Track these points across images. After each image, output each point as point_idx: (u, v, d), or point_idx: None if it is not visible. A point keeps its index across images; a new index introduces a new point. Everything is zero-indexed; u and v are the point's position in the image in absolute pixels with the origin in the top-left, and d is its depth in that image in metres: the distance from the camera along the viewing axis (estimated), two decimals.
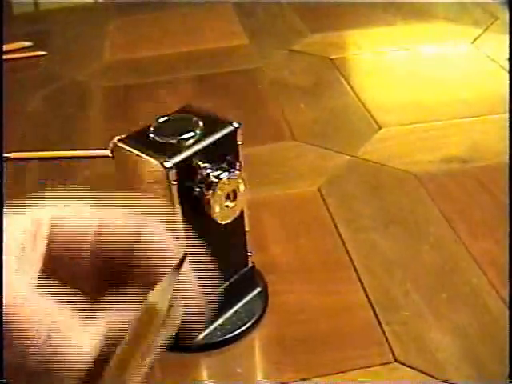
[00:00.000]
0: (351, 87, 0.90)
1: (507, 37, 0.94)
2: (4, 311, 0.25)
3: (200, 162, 0.44)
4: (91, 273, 0.29)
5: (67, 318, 0.26)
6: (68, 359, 0.25)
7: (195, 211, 0.45)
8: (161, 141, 0.45)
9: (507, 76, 0.89)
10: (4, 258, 0.26)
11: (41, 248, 0.29)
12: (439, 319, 0.51)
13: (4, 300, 0.25)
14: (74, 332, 0.26)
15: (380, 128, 0.79)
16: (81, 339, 0.26)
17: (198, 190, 0.44)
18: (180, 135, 0.45)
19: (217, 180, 0.44)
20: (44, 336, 0.25)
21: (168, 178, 0.43)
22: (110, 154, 0.46)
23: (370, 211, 0.64)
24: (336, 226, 0.62)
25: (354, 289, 0.54)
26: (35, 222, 0.29)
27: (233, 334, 0.50)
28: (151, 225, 0.29)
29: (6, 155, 0.76)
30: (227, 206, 0.46)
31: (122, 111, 0.89)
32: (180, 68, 1.00)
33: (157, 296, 0.23)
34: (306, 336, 0.50)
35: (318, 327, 0.51)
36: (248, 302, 0.53)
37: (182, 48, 1.08)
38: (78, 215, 0.30)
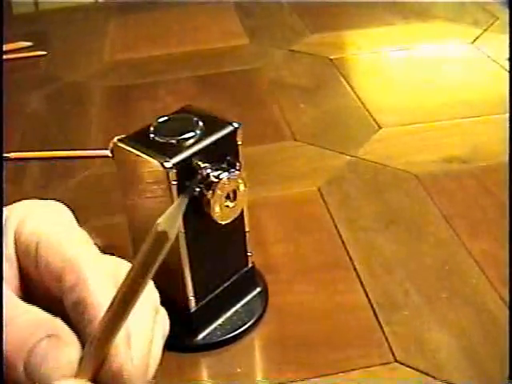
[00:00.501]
0: (351, 87, 0.90)
1: (507, 37, 0.95)
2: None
3: (200, 162, 0.44)
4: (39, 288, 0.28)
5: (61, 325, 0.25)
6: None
7: (195, 211, 0.45)
8: (161, 141, 0.45)
9: (507, 76, 0.89)
10: None
11: (10, 245, 0.28)
12: (439, 319, 0.51)
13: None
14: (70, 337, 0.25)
15: (380, 128, 0.79)
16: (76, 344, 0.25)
17: (198, 190, 0.44)
18: (180, 135, 0.45)
19: (217, 180, 0.44)
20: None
21: (168, 178, 0.43)
22: (110, 154, 0.46)
23: (370, 211, 0.64)
24: (336, 226, 0.62)
25: (353, 289, 0.54)
26: (4, 218, 0.28)
27: (233, 333, 0.50)
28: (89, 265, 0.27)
29: (5, 155, 0.76)
30: (227, 206, 0.46)
31: (122, 111, 0.89)
32: (180, 68, 1.00)
33: (167, 223, 0.21)
34: (306, 336, 0.50)
35: (318, 327, 0.51)
36: (248, 302, 0.53)
37: (182, 48, 1.08)
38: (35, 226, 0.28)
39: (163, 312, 0.30)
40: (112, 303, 0.23)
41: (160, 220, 0.21)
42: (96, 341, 0.24)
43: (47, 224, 0.29)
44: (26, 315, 0.25)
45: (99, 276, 0.27)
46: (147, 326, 0.28)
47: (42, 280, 0.28)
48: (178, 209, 0.22)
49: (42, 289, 0.28)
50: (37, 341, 0.24)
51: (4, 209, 0.30)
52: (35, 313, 0.26)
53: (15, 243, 0.28)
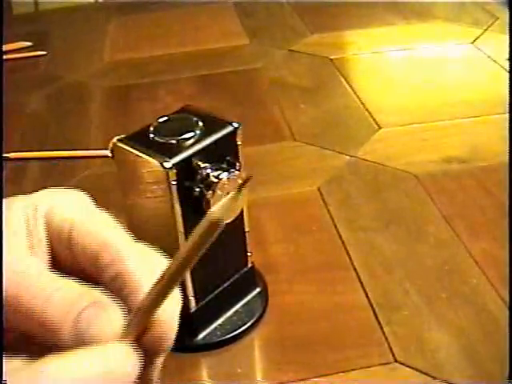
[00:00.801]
0: (351, 87, 0.90)
1: (507, 37, 0.95)
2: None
3: (200, 162, 0.44)
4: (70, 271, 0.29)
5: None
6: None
7: (195, 211, 0.45)
8: (161, 141, 0.45)
9: (507, 76, 0.89)
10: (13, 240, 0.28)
11: (41, 230, 0.29)
12: (439, 319, 0.51)
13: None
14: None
15: (380, 128, 0.79)
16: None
17: (197, 190, 0.44)
18: (180, 135, 0.45)
19: (217, 180, 0.44)
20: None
21: (168, 178, 0.43)
22: (110, 154, 0.46)
23: (370, 211, 0.64)
24: (336, 226, 0.62)
25: (353, 289, 0.54)
26: (32, 208, 0.30)
27: (233, 333, 0.50)
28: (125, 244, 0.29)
29: (5, 155, 0.76)
30: None
31: (122, 111, 0.89)
32: (180, 68, 1.00)
33: (221, 210, 0.24)
34: (305, 336, 0.50)
35: (318, 327, 0.51)
36: (248, 302, 0.53)
37: (182, 48, 1.08)
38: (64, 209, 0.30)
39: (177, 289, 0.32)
40: (161, 278, 0.25)
41: (214, 209, 0.24)
42: (144, 309, 0.26)
43: (77, 210, 0.30)
44: (67, 286, 0.27)
45: (134, 254, 0.29)
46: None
47: (76, 263, 0.29)
48: (231, 200, 0.24)
49: (75, 273, 0.29)
50: (82, 308, 0.26)
51: (28, 197, 0.31)
52: (76, 285, 0.27)
53: (46, 230, 0.29)
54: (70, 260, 0.29)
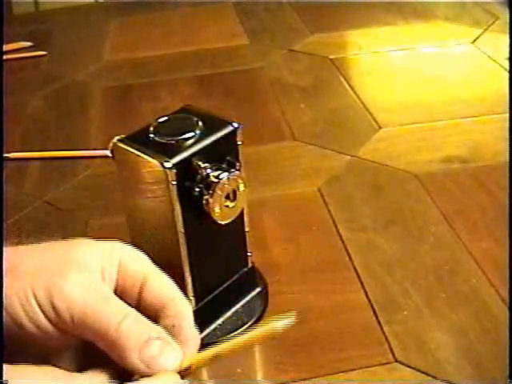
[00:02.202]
0: (351, 87, 0.90)
1: (507, 37, 0.95)
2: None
3: (200, 162, 0.44)
4: None
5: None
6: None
7: (195, 211, 0.45)
8: (161, 141, 0.45)
9: (507, 76, 0.89)
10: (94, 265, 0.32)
11: (114, 274, 0.33)
12: (439, 319, 0.51)
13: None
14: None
15: (380, 128, 0.79)
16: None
17: (197, 190, 0.44)
18: (180, 135, 0.45)
19: (217, 180, 0.44)
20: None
21: (168, 178, 0.43)
22: (110, 154, 0.46)
23: (370, 211, 0.64)
24: (336, 226, 0.62)
25: (353, 289, 0.55)
26: (108, 251, 0.33)
27: (233, 333, 0.50)
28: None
29: (6, 155, 0.76)
30: (227, 206, 0.46)
31: (122, 111, 0.89)
32: (180, 68, 1.00)
33: (281, 324, 0.31)
34: (306, 336, 0.50)
35: (318, 327, 0.51)
36: (248, 302, 0.53)
37: (182, 48, 1.08)
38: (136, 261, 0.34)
39: None
40: (218, 352, 0.33)
41: (278, 323, 0.32)
42: (199, 364, 0.33)
43: (147, 267, 0.34)
44: (136, 316, 0.31)
45: (189, 312, 0.34)
46: None
47: (137, 307, 0.33)
48: (289, 322, 0.32)
49: None
50: (149, 337, 0.31)
51: (102, 243, 0.34)
52: (142, 316, 0.32)
53: (118, 276, 0.33)
54: (133, 305, 0.33)
